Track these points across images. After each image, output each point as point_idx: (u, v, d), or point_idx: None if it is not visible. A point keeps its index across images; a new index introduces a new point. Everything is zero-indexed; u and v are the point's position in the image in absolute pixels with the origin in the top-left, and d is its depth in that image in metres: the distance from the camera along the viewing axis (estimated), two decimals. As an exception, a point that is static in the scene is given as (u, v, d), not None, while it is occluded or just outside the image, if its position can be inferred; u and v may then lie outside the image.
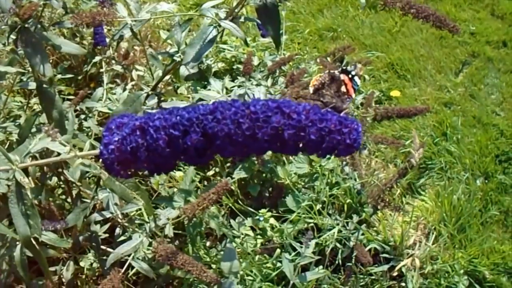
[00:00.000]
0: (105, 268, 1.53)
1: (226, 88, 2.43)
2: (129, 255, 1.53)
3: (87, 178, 1.89)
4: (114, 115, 1.61)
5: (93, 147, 0.76)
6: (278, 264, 1.83)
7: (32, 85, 1.67)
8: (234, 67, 2.85)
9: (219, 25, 1.44)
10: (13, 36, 1.40)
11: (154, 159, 0.58)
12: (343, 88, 1.06)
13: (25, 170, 0.82)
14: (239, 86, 2.30)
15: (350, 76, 1.04)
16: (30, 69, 1.67)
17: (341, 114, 0.56)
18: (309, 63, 2.82)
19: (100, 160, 0.61)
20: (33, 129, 1.85)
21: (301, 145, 0.55)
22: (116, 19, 1.25)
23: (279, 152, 0.57)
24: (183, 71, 1.57)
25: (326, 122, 0.54)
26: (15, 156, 0.75)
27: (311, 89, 1.21)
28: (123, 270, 1.47)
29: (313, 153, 0.56)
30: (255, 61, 2.62)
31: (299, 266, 1.67)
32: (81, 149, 0.84)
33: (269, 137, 0.54)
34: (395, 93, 3.13)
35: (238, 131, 0.54)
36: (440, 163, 2.71)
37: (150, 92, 1.70)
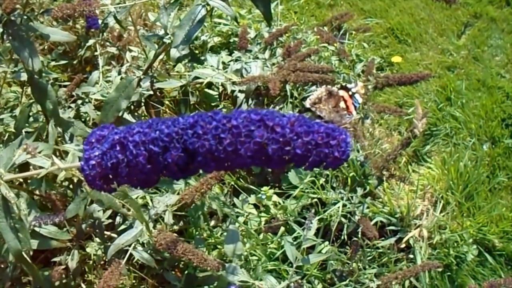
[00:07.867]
0: (107, 259, 1.52)
1: (223, 63, 2.39)
2: (130, 245, 1.52)
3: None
4: (107, 100, 1.59)
5: (79, 154, 0.73)
6: (283, 243, 1.82)
7: (25, 76, 1.64)
8: (231, 40, 2.80)
9: (208, 4, 1.40)
10: (-1, 29, 1.36)
11: (135, 175, 0.55)
12: (342, 104, 1.03)
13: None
14: (235, 61, 2.26)
15: (350, 93, 1.01)
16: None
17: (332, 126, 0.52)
18: (306, 32, 2.76)
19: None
20: (30, 119, 1.83)
21: (287, 159, 0.52)
22: (98, 8, 1.21)
23: (265, 167, 0.54)
24: (174, 53, 1.54)
25: (313, 135, 0.51)
26: (0, 169, 0.72)
27: (307, 104, 1.19)
28: (126, 258, 1.46)
29: (299, 167, 0.53)
30: (252, 34, 2.56)
31: (303, 247, 1.65)
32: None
33: (253, 153, 0.51)
34: (396, 59, 3.07)
35: (219, 147, 0.51)
36: (445, 129, 2.66)
37: (142, 76, 1.67)
